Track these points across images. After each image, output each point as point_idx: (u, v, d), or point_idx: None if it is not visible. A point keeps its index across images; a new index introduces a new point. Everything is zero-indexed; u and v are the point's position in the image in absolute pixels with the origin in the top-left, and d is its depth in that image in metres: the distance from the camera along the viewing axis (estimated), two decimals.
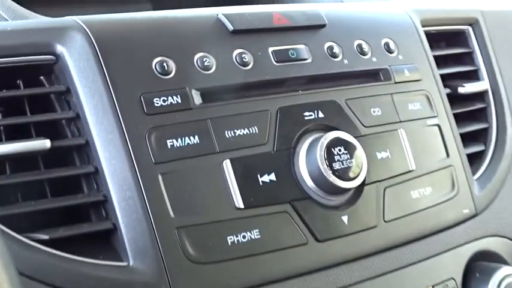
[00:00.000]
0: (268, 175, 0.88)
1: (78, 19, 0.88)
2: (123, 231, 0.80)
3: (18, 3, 1.01)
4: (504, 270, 1.01)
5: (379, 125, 0.99)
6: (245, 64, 0.92)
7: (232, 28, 0.93)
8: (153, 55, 0.87)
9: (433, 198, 1.01)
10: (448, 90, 1.13)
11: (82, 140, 0.84)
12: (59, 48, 0.85)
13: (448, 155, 1.05)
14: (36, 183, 0.82)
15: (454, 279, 1.01)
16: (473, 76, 1.22)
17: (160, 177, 0.82)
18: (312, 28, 1.00)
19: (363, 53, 1.02)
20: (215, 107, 0.88)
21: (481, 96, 1.21)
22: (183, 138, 0.84)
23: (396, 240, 0.96)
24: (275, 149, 0.89)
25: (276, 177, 0.88)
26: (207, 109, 0.87)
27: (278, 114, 0.91)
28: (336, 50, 1.00)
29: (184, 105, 0.86)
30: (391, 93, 1.02)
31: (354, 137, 0.92)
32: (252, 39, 0.94)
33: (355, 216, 0.92)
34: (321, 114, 0.94)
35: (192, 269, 0.81)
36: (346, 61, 1.00)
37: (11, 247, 0.73)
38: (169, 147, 0.83)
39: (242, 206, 0.85)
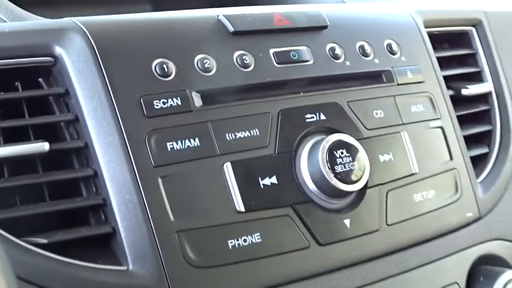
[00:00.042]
0: (270, 178, 0.88)
1: (76, 20, 0.88)
2: (123, 235, 0.80)
3: (16, 5, 1.01)
4: (508, 274, 1.01)
5: (381, 128, 0.98)
6: (246, 66, 0.92)
7: (233, 29, 0.93)
8: (152, 57, 0.87)
9: (436, 202, 1.00)
10: (451, 92, 1.13)
11: (81, 142, 0.84)
12: (58, 50, 0.85)
13: (451, 157, 1.05)
14: (34, 187, 0.82)
15: (458, 284, 1.01)
16: (477, 78, 1.22)
17: (160, 181, 0.82)
18: (314, 29, 1.00)
19: (365, 55, 1.02)
20: (216, 109, 0.88)
21: (484, 98, 1.21)
22: (183, 141, 0.84)
23: (399, 244, 0.96)
24: (276, 152, 0.89)
25: (277, 180, 0.88)
26: (207, 111, 0.87)
27: (279, 117, 0.91)
28: (338, 51, 1.00)
29: (185, 107, 0.86)
30: (393, 95, 1.02)
31: (356, 140, 0.92)
32: (253, 41, 0.94)
33: (357, 220, 0.92)
34: (322, 117, 0.94)
35: (192, 274, 0.81)
36: (348, 63, 1.00)
37: (9, 251, 0.73)
38: (169, 150, 0.83)
39: (243, 210, 0.85)
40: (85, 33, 0.86)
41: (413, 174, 0.99)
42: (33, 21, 0.96)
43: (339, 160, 0.89)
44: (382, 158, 0.97)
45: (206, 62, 0.89)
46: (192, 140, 0.85)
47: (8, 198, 0.82)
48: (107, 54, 0.85)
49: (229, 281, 0.83)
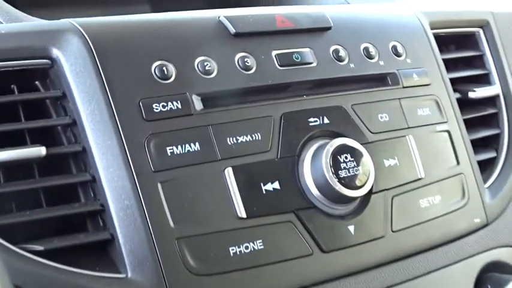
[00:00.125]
0: (272, 183, 0.88)
1: (74, 22, 0.88)
2: (121, 241, 0.80)
3: (12, 6, 1.01)
4: None
5: (386, 131, 0.98)
6: (248, 68, 0.92)
7: (235, 31, 0.93)
8: (152, 59, 0.87)
9: (442, 207, 1.00)
10: (458, 95, 1.13)
11: (79, 147, 0.84)
12: (55, 52, 0.85)
13: (458, 162, 1.05)
14: (31, 192, 0.82)
15: None
16: (484, 80, 1.22)
17: (159, 186, 0.82)
18: (317, 31, 1.00)
19: (370, 57, 1.02)
20: (216, 112, 0.88)
21: (492, 101, 1.21)
22: (184, 145, 0.84)
23: (404, 251, 0.96)
24: (279, 156, 0.89)
25: (280, 186, 0.88)
26: (208, 115, 0.87)
27: (282, 120, 0.91)
28: (342, 53, 1.00)
29: (185, 110, 0.86)
30: (399, 98, 1.02)
31: (361, 144, 0.92)
32: (255, 43, 0.94)
33: (361, 226, 0.92)
34: (326, 120, 0.94)
35: (192, 281, 0.81)
36: (352, 65, 1.00)
37: (5, 258, 0.73)
38: (169, 154, 0.83)
39: (245, 216, 0.85)
40: (83, 34, 0.86)
41: (419, 179, 0.99)
42: (30, 22, 0.96)
43: (343, 165, 0.88)
44: (387, 162, 0.96)
45: (207, 64, 0.89)
46: (192, 145, 0.85)
47: (4, 204, 0.82)
48: (105, 56, 0.85)
49: None
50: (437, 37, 1.14)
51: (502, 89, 1.21)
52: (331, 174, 0.88)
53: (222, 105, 0.89)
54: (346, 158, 0.89)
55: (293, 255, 0.87)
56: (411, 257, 0.97)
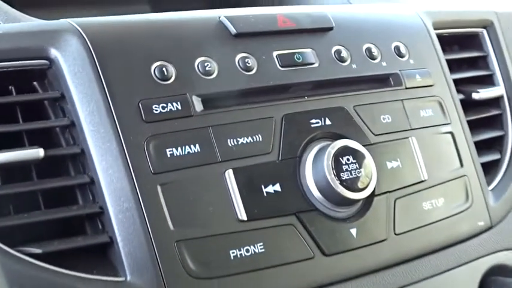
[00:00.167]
0: (273, 186, 0.88)
1: (73, 22, 0.88)
2: (120, 244, 0.80)
3: (10, 5, 1.01)
4: None
5: (389, 133, 0.98)
6: (248, 69, 0.92)
7: (235, 31, 0.93)
8: (152, 59, 0.87)
9: (446, 210, 1.00)
10: (461, 96, 1.13)
11: (77, 148, 0.84)
12: (53, 53, 0.85)
13: (461, 164, 1.05)
14: (28, 195, 0.82)
15: None
16: (488, 81, 1.22)
17: (159, 188, 0.82)
18: (319, 31, 1.00)
19: (372, 57, 1.02)
20: (217, 114, 0.88)
21: (496, 102, 1.20)
22: (183, 147, 0.84)
23: (407, 254, 0.96)
24: (280, 158, 0.89)
25: (281, 188, 0.88)
26: (208, 116, 0.87)
27: (283, 122, 0.91)
28: (344, 54, 0.99)
29: (185, 112, 0.86)
30: (401, 100, 1.02)
31: (363, 146, 0.92)
32: (256, 43, 0.94)
33: (364, 229, 0.92)
34: (328, 122, 0.94)
35: (192, 285, 0.81)
36: (354, 66, 1.00)
37: (3, 261, 0.74)
38: (168, 156, 0.83)
39: (245, 218, 0.85)
40: (81, 35, 0.86)
41: (422, 181, 0.99)
42: (28, 22, 0.96)
43: (345, 167, 0.88)
44: (390, 164, 0.96)
45: (207, 65, 0.89)
46: (192, 146, 0.85)
47: (2, 207, 0.82)
48: (104, 56, 0.85)
49: None
50: (440, 37, 1.13)
51: (506, 90, 1.21)
52: (333, 176, 0.88)
53: (222, 106, 0.89)
54: (348, 159, 0.89)
55: (294, 258, 0.87)
56: (414, 260, 0.97)
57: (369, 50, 1.02)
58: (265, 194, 0.87)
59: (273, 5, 1.30)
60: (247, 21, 0.95)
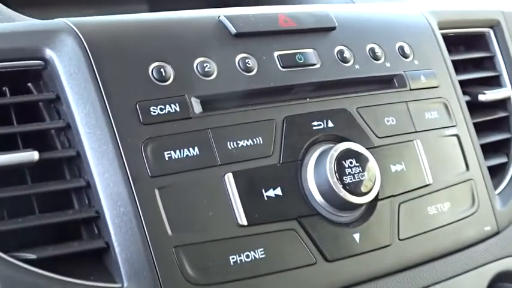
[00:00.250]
0: (274, 189, 0.87)
1: (68, 21, 0.88)
2: (117, 250, 0.80)
3: (4, 5, 1.01)
4: None
5: (393, 136, 0.98)
6: (249, 70, 0.92)
7: (235, 31, 0.93)
8: (149, 60, 0.87)
9: (451, 215, 1.00)
10: (467, 98, 1.13)
11: (73, 151, 0.84)
12: (48, 53, 0.85)
13: (467, 167, 1.05)
14: (23, 199, 0.82)
15: None
16: (495, 82, 1.22)
17: (157, 192, 0.82)
18: (321, 31, 1.00)
19: (376, 58, 1.02)
20: (216, 116, 0.88)
21: (503, 104, 1.20)
22: (182, 150, 0.84)
23: (412, 260, 0.96)
24: (281, 162, 0.89)
25: (282, 192, 0.88)
26: (207, 118, 0.87)
27: (284, 124, 0.91)
28: (347, 54, 0.99)
29: (183, 114, 0.86)
30: (406, 101, 1.02)
31: (366, 149, 0.92)
32: (256, 43, 0.94)
33: (367, 234, 0.92)
34: (330, 124, 0.94)
35: None
36: (357, 66, 1.00)
37: None
38: (166, 159, 0.83)
39: (245, 223, 0.85)
40: (77, 34, 0.86)
41: (427, 185, 0.99)
42: (23, 22, 0.96)
43: (347, 170, 0.88)
44: (394, 168, 0.96)
45: (206, 65, 0.89)
46: (191, 149, 0.85)
47: None
48: (100, 57, 0.85)
49: None
50: (445, 37, 1.14)
51: None
52: (335, 180, 0.87)
53: (222, 108, 0.89)
54: (351, 163, 0.89)
55: (296, 264, 0.87)
56: (419, 267, 0.97)
57: (372, 50, 1.02)
58: (265, 198, 0.87)
59: (274, 4, 1.30)
60: (247, 21, 0.95)
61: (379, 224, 0.93)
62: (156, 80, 0.86)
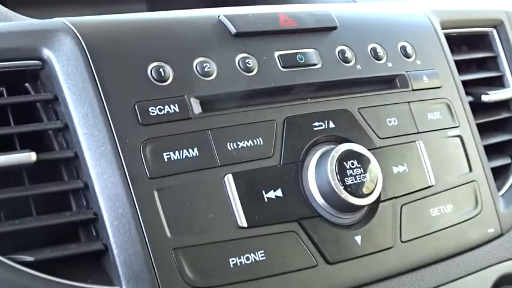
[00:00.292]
0: (274, 191, 0.87)
1: (66, 21, 0.88)
2: (115, 252, 0.80)
3: (2, 4, 1.01)
4: None
5: (395, 137, 0.98)
6: (249, 70, 0.92)
7: (235, 31, 0.93)
8: (148, 60, 0.87)
9: (454, 217, 1.00)
10: (470, 98, 1.13)
11: (71, 152, 0.84)
12: (46, 53, 0.85)
13: (470, 169, 1.05)
14: (20, 200, 0.82)
15: None
16: (498, 83, 1.22)
17: (156, 194, 0.82)
18: (322, 30, 1.00)
19: (378, 58, 1.02)
20: (216, 116, 0.88)
21: (506, 104, 1.21)
22: (181, 151, 0.84)
23: (414, 263, 0.96)
24: (281, 163, 0.89)
25: (283, 194, 0.88)
26: (207, 119, 0.87)
27: (285, 125, 0.91)
28: (348, 54, 0.99)
29: (183, 114, 0.86)
30: (408, 102, 1.02)
31: (368, 150, 0.92)
32: (257, 43, 0.94)
33: (369, 236, 0.91)
34: (331, 125, 0.94)
35: None
36: (359, 66, 1.00)
37: None
38: (165, 160, 0.83)
39: (245, 225, 0.85)
40: (75, 34, 0.86)
41: (429, 187, 0.99)
42: (20, 22, 0.96)
43: (349, 172, 0.88)
44: (396, 169, 0.96)
45: (206, 65, 0.89)
46: (190, 150, 0.85)
47: None
48: (98, 57, 0.85)
49: None
50: (448, 37, 1.14)
51: None
52: (336, 181, 0.87)
53: (221, 108, 0.89)
54: (352, 164, 0.89)
55: (296, 266, 0.87)
56: (421, 269, 0.97)
57: (374, 50, 1.02)
58: (266, 200, 0.87)
59: (274, 3, 1.30)
60: (247, 21, 0.95)
61: (381, 226, 0.93)
62: (155, 80, 0.86)
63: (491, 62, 1.23)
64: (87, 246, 0.81)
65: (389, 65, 1.03)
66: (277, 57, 0.94)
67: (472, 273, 1.01)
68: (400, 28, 1.08)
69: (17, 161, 0.81)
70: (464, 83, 1.12)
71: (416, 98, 1.03)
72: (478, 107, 1.13)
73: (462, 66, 1.15)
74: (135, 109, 0.84)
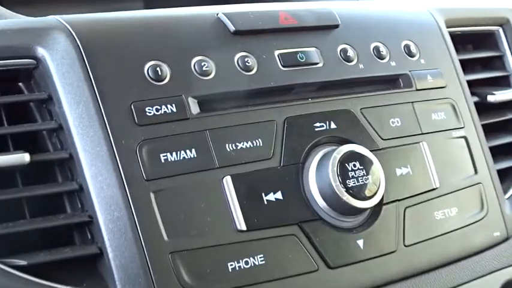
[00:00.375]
0: (274, 193, 0.87)
1: (61, 19, 0.88)
2: (111, 256, 0.80)
3: None
4: None
5: (398, 138, 0.98)
6: (248, 69, 0.92)
7: (234, 29, 0.93)
8: (145, 59, 0.87)
9: (459, 220, 1.00)
10: (475, 99, 1.13)
11: (65, 153, 0.83)
12: (40, 51, 0.85)
13: (476, 171, 1.05)
14: (13, 202, 0.81)
15: None
16: (504, 83, 1.22)
17: (152, 196, 0.82)
18: (324, 29, 1.00)
19: (381, 57, 1.02)
20: (214, 116, 0.88)
21: None
22: (179, 152, 0.84)
23: (418, 267, 0.96)
24: (282, 164, 0.89)
25: (283, 196, 0.88)
26: (205, 119, 0.87)
27: (285, 125, 0.91)
28: (350, 53, 0.99)
29: (180, 114, 0.86)
30: (412, 102, 1.02)
31: (371, 151, 0.92)
32: (256, 41, 0.94)
33: (371, 240, 0.91)
34: (333, 125, 0.94)
35: None
36: (361, 66, 1.00)
37: None
38: (162, 161, 0.83)
39: (244, 228, 0.85)
40: (70, 32, 0.86)
41: (433, 189, 0.99)
42: (14, 19, 0.96)
43: (351, 173, 0.88)
44: (399, 171, 0.96)
45: (204, 64, 0.89)
46: (188, 151, 0.85)
47: None
48: (94, 55, 0.85)
49: None
50: (453, 36, 1.13)
51: None
52: (338, 183, 0.87)
53: (220, 108, 0.89)
54: (354, 166, 0.89)
55: (297, 271, 0.86)
56: (425, 274, 0.96)
57: (376, 49, 1.02)
58: (265, 203, 0.86)
59: (274, 0, 1.30)
60: (246, 18, 0.95)
61: (383, 230, 0.93)
62: (152, 79, 0.86)
63: (497, 62, 1.23)
64: (82, 249, 0.81)
65: (393, 64, 1.03)
66: (277, 56, 0.94)
67: (478, 278, 1.01)
68: (403, 26, 1.08)
69: (10, 162, 0.81)
70: (469, 82, 1.12)
71: (420, 98, 1.03)
72: (483, 108, 1.13)
73: (467, 66, 1.15)
74: (132, 109, 0.84)
